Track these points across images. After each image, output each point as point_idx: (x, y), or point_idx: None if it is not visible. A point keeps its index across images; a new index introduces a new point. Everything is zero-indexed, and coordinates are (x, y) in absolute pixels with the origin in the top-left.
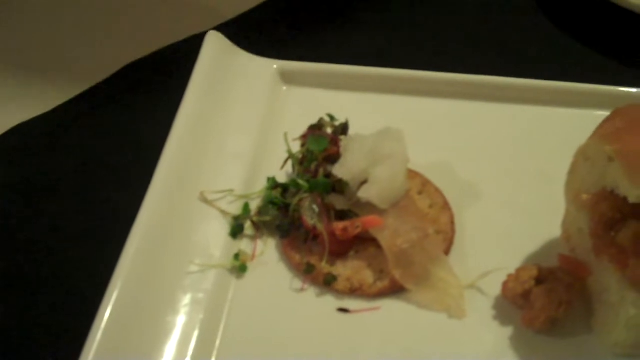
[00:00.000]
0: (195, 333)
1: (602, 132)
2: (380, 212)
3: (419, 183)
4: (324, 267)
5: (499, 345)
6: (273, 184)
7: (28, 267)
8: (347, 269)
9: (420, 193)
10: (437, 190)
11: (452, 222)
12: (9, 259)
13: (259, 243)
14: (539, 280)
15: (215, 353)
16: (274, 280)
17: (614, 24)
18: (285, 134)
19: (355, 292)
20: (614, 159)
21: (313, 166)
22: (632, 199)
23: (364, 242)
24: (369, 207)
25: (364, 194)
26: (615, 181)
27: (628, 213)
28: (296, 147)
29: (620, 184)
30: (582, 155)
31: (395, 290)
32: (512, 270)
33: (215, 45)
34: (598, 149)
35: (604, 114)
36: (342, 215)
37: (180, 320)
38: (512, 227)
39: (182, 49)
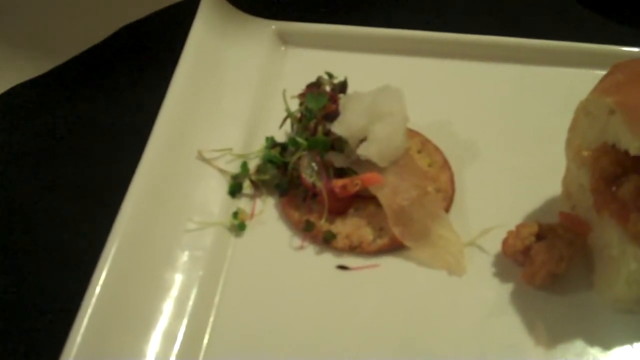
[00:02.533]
0: (194, 290)
1: (603, 86)
2: (380, 169)
3: (419, 142)
4: (323, 224)
5: (499, 302)
6: (272, 142)
7: (24, 228)
8: (347, 227)
9: (419, 152)
10: (437, 148)
11: (452, 181)
12: (4, 221)
13: (258, 201)
14: (539, 237)
15: (214, 311)
16: (273, 238)
17: None
18: (284, 92)
19: (354, 249)
20: (614, 112)
21: (312, 124)
22: (633, 151)
23: (364, 200)
24: (368, 165)
25: (363, 151)
26: (617, 134)
27: (629, 167)
28: (295, 106)
29: (621, 136)
30: (583, 110)
31: (395, 247)
32: (512, 228)
33: (212, 6)
34: (599, 103)
35: (603, 73)
36: (341, 173)
37: (179, 278)
38: (512, 185)
39: (180, 10)
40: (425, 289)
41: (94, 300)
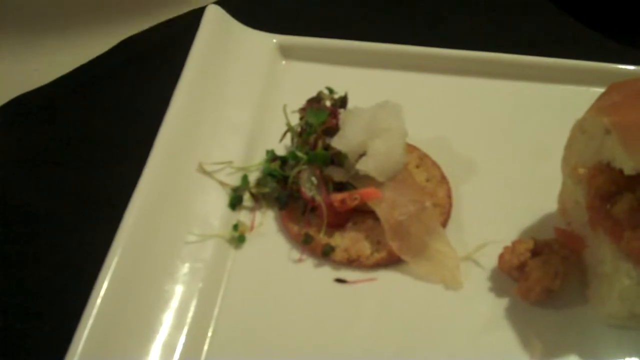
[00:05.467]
0: (194, 302)
1: (599, 105)
2: (378, 184)
3: (417, 157)
4: (321, 238)
5: (494, 317)
6: (272, 156)
7: (27, 236)
8: (345, 240)
9: (417, 166)
10: (435, 163)
11: (449, 196)
12: (7, 230)
13: (258, 214)
14: (535, 253)
15: (213, 322)
16: (272, 250)
17: (611, 1)
18: (284, 107)
19: (352, 263)
20: (610, 131)
21: (312, 138)
22: (627, 171)
23: (362, 214)
24: (367, 180)
25: (362, 166)
26: (612, 153)
27: (623, 186)
28: (295, 120)
29: (616, 155)
30: (580, 129)
31: (392, 261)
32: (508, 243)
33: (215, 19)
34: (595, 122)
35: (601, 90)
36: (340, 187)
37: (179, 289)
38: (508, 200)
39: (183, 22)
40: (422, 303)
41: (94, 311)
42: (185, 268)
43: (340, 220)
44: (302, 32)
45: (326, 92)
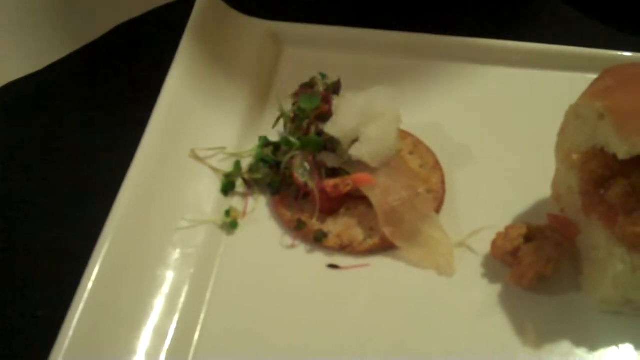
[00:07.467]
0: (185, 288)
1: (593, 90)
2: (371, 170)
3: (411, 143)
4: (314, 224)
5: (487, 303)
6: (265, 142)
7: (17, 224)
8: (338, 226)
9: (411, 153)
10: (429, 150)
11: (443, 182)
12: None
13: (250, 200)
14: (528, 238)
15: (205, 308)
16: (265, 236)
17: None
18: (277, 92)
19: (345, 248)
20: (604, 116)
21: (305, 124)
22: (621, 155)
23: (355, 200)
24: (360, 166)
25: (355, 152)
26: (605, 138)
27: (617, 171)
28: (288, 106)
29: (610, 140)
30: (573, 114)
31: (385, 247)
32: (501, 229)
33: (207, 6)
34: (589, 107)
35: (594, 77)
36: (333, 173)
37: (170, 275)
38: (502, 187)
39: (176, 9)
40: (415, 289)
41: (85, 296)
42: (176, 254)
43: (333, 206)
44: (295, 19)
45: (319, 77)
